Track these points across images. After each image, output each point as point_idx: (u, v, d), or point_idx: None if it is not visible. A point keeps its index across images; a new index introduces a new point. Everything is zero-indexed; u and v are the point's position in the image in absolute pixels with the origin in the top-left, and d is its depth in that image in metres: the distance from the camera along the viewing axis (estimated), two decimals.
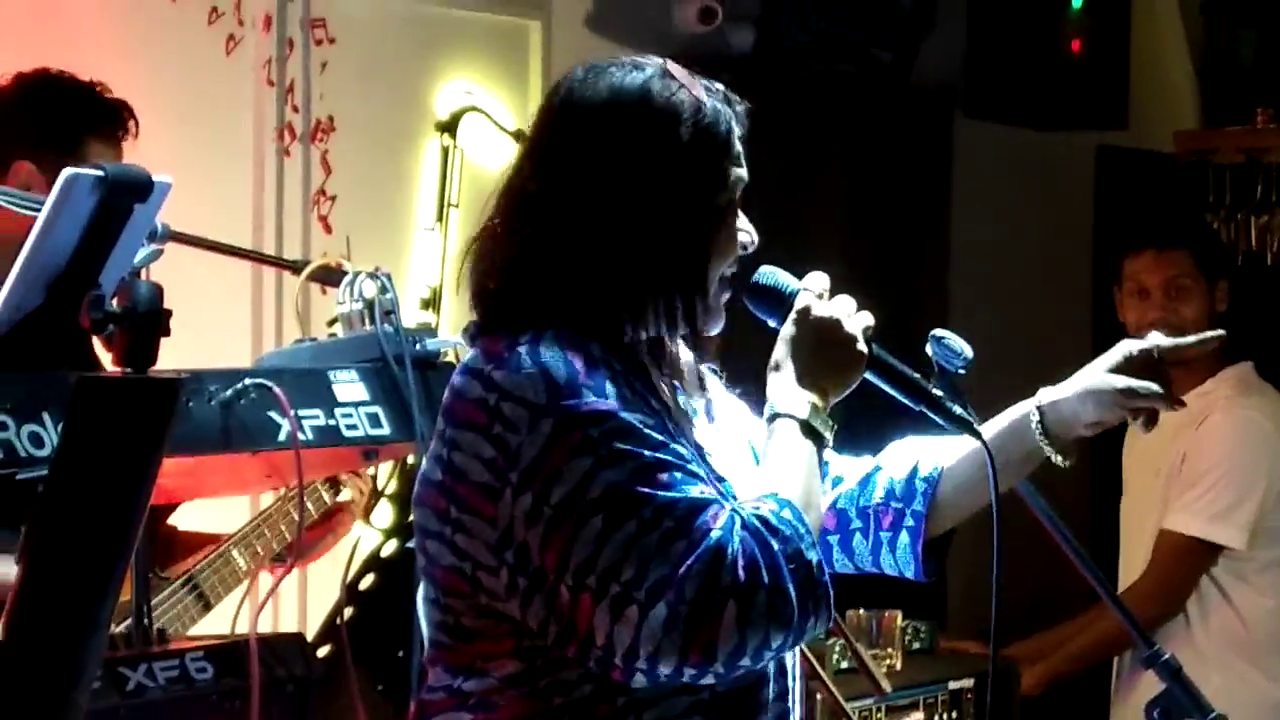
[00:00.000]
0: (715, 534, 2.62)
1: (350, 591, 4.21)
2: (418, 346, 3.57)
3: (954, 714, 5.59)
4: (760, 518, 2.68)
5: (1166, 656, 3.28)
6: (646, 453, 2.71)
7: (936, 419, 3.00)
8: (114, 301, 2.93)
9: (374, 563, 4.27)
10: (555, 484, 2.67)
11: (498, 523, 2.69)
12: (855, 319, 2.91)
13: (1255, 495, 5.26)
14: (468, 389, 2.77)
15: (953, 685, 5.55)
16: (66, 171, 3.13)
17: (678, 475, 2.70)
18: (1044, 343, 7.00)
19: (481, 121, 6.25)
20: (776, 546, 2.66)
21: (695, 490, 2.68)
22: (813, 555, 2.71)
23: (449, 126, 6.18)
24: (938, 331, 3.17)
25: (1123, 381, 2.92)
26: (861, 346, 2.91)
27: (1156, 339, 2.99)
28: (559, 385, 2.71)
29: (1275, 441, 5.38)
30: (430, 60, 6.27)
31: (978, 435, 2.98)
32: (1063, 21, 7.06)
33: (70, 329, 3.15)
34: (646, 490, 2.66)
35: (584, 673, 2.72)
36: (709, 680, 2.75)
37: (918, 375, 3.03)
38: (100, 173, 3.12)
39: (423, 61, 6.24)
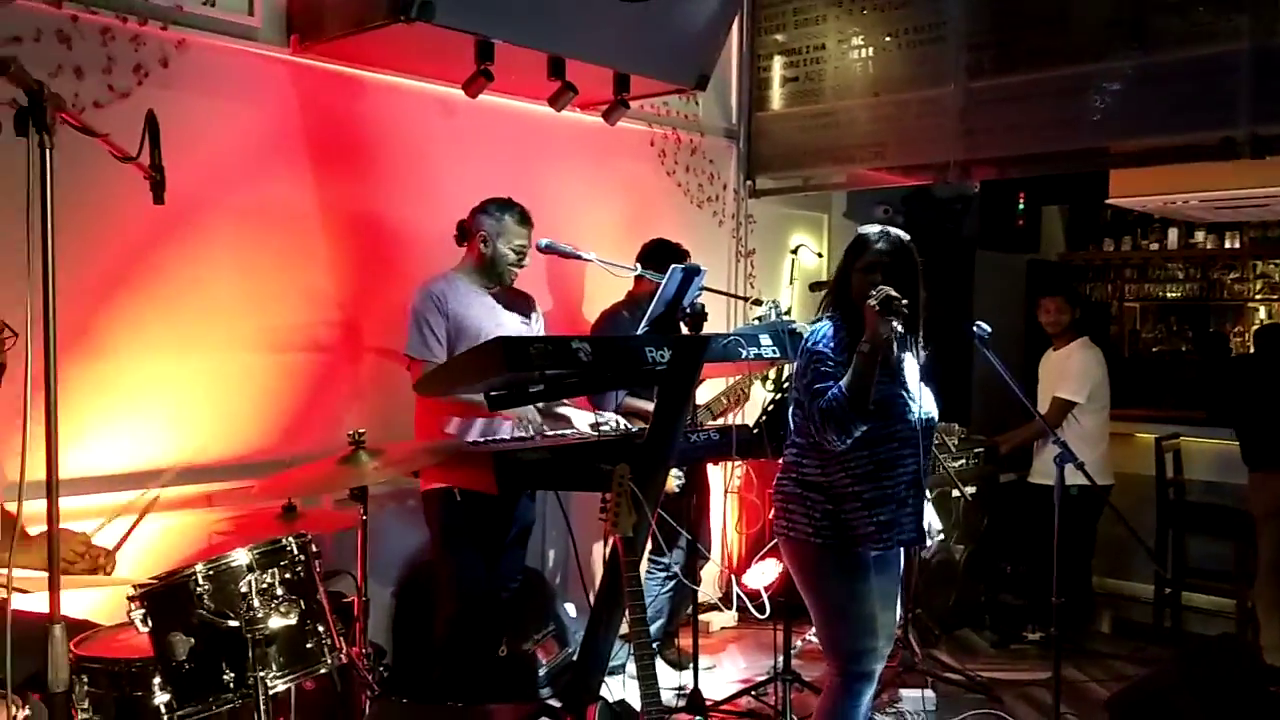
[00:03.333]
0: (822, 399, 2.82)
1: (764, 410, 4.22)
2: (787, 326, 3.52)
3: (977, 460, 5.53)
4: (834, 393, 2.81)
5: (1062, 439, 3.70)
6: (822, 369, 2.87)
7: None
8: (688, 310, 3.41)
9: (771, 401, 4.27)
10: (801, 375, 2.94)
11: (797, 373, 2.97)
12: (879, 297, 2.76)
13: (1088, 384, 5.27)
14: (805, 339, 3.01)
15: (975, 451, 5.56)
16: (672, 267, 3.54)
17: (827, 377, 2.85)
18: (1012, 346, 6.56)
19: (806, 250, 6.31)
20: (833, 404, 2.79)
21: (827, 382, 2.84)
22: (843, 404, 2.77)
23: (794, 251, 6.28)
24: (980, 323, 3.44)
25: None
26: (876, 309, 2.75)
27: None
28: (816, 340, 2.93)
29: (1095, 365, 5.32)
30: (787, 229, 6.29)
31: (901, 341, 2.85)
32: (1015, 213, 7.16)
33: (673, 321, 3.54)
34: (818, 385, 2.86)
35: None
36: (859, 440, 2.83)
37: (899, 331, 2.81)
38: (683, 266, 3.58)
39: (784, 230, 6.27)
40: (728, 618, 5.59)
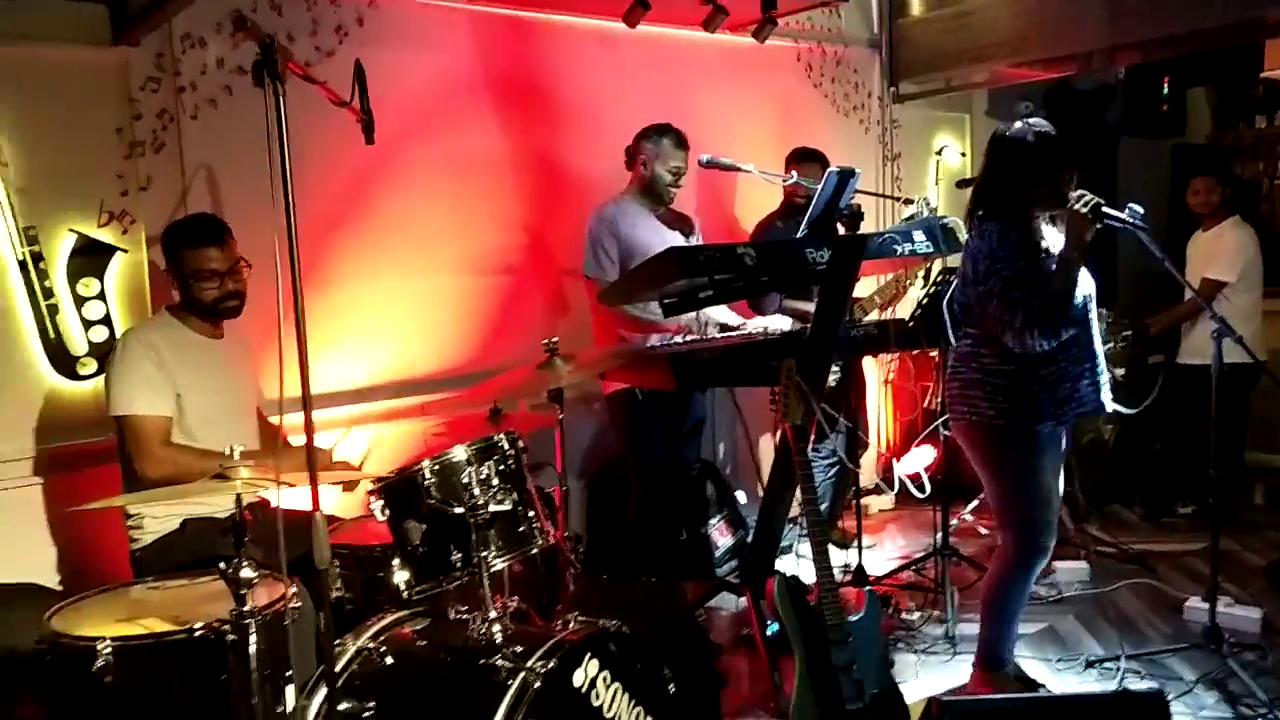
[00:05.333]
0: (1025, 308, 2.72)
1: (918, 304, 4.09)
2: (939, 222, 3.34)
3: (1125, 342, 5.20)
4: (1040, 302, 2.72)
5: (1220, 315, 3.31)
6: (1006, 273, 2.74)
7: (1130, 229, 2.79)
8: (845, 211, 3.29)
9: (926, 295, 4.02)
10: (984, 283, 2.79)
11: (977, 280, 2.81)
12: (1089, 204, 2.70)
13: (1240, 263, 4.89)
14: (973, 239, 2.87)
15: (1124, 334, 5.20)
16: (828, 171, 3.47)
17: (1015, 284, 2.73)
18: (1158, 232, 6.34)
19: (950, 151, 6.01)
20: (1043, 313, 2.71)
21: (1021, 290, 2.73)
22: (1052, 312, 2.71)
23: (938, 152, 5.99)
24: (1132, 205, 3.01)
25: None
26: (1088, 216, 2.69)
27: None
28: (995, 244, 2.78)
29: (1248, 243, 4.94)
30: (931, 131, 6.02)
31: (1146, 231, 2.80)
32: (1160, 98, 6.60)
33: (831, 223, 3.45)
34: (1013, 293, 2.73)
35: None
36: (1049, 349, 2.76)
37: (1123, 216, 2.77)
38: (838, 169, 3.47)
39: (928, 132, 6.01)
40: (886, 500, 5.54)
